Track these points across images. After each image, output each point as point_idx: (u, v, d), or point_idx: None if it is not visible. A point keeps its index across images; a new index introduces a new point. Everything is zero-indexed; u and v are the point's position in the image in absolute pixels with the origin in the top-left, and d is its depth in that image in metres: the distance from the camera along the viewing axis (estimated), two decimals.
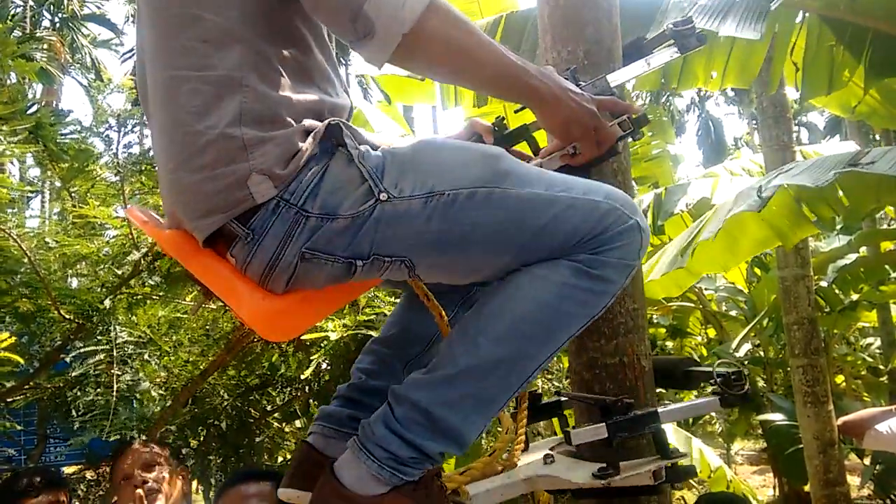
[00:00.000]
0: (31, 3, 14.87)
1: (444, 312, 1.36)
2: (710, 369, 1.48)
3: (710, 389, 1.46)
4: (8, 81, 2.95)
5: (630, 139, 1.57)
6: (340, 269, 1.11)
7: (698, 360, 1.54)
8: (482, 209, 1.10)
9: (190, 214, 1.11)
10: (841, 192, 3.42)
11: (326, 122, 1.11)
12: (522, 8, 4.05)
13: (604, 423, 1.36)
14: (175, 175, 1.12)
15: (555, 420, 1.69)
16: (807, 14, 3.05)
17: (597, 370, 1.54)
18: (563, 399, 1.62)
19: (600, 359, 1.54)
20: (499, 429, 1.48)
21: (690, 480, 7.32)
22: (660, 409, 1.41)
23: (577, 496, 1.54)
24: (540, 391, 1.66)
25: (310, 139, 1.10)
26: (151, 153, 2.75)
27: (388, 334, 1.48)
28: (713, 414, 11.55)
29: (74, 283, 3.24)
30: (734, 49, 3.39)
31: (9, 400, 3.06)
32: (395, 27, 1.05)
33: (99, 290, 2.80)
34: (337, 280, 1.13)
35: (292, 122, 1.10)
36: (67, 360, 2.90)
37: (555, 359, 5.07)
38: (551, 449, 1.50)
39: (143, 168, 2.53)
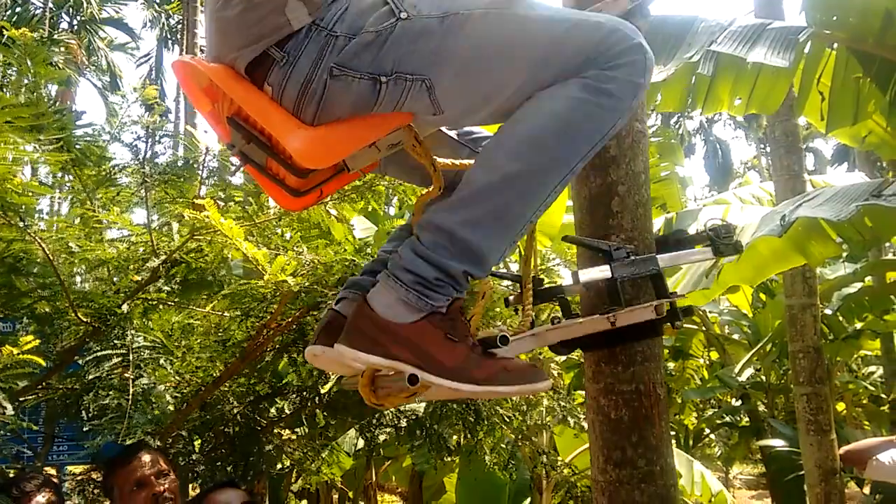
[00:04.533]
0: (50, 4, 15.03)
1: (442, 185, 1.40)
2: (697, 233, 1.56)
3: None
4: (24, 82, 3.01)
5: (641, 19, 1.61)
6: (367, 88, 1.19)
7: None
8: (494, 26, 1.20)
9: (234, 45, 1.22)
10: (867, 219, 3.45)
11: None
12: None
13: (608, 265, 1.42)
14: (221, 13, 1.23)
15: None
16: (835, 46, 3.08)
17: (613, 396, 1.58)
18: (563, 285, 1.70)
19: (617, 385, 1.58)
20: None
21: None
22: (658, 256, 1.47)
23: (586, 348, 1.61)
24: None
25: None
26: (179, 163, 2.81)
27: (403, 234, 1.53)
28: (713, 437, 11.51)
29: (86, 286, 3.29)
30: (760, 76, 3.42)
31: (21, 399, 3.10)
32: None
33: (115, 294, 2.85)
34: (363, 103, 1.21)
35: None
36: (80, 362, 2.93)
37: (561, 381, 5.10)
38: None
39: (169, 178, 2.58)
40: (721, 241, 1.44)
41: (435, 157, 1.39)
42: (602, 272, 1.42)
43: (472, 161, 1.44)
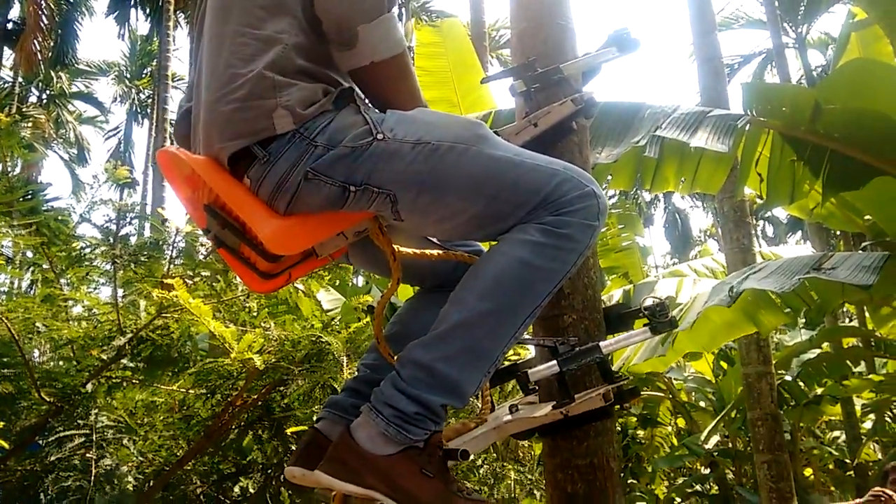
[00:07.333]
0: (20, 79, 15.17)
1: (400, 276, 1.49)
2: (635, 309, 1.65)
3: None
4: None
5: (584, 118, 1.77)
6: (336, 193, 1.30)
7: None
8: (459, 159, 1.32)
9: (222, 138, 1.33)
10: (811, 290, 3.65)
11: (341, 87, 1.37)
12: (507, 107, 4.24)
13: (555, 361, 1.49)
14: (214, 106, 1.34)
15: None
16: (770, 132, 3.33)
17: (569, 470, 1.64)
18: (518, 363, 1.79)
19: (573, 459, 1.64)
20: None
21: None
22: (600, 343, 1.55)
23: (542, 434, 1.67)
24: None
25: (327, 97, 1.34)
26: (149, 243, 2.87)
27: (391, 332, 1.62)
28: None
29: (50, 364, 3.26)
30: (703, 158, 3.65)
31: None
32: (370, 53, 1.36)
33: (79, 373, 2.84)
34: (332, 205, 1.32)
35: (314, 79, 1.35)
36: (41, 442, 2.89)
37: (529, 453, 5.10)
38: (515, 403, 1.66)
39: (138, 259, 2.64)
40: (656, 319, 1.53)
41: (397, 246, 1.49)
42: (550, 369, 1.50)
43: (432, 251, 1.54)
